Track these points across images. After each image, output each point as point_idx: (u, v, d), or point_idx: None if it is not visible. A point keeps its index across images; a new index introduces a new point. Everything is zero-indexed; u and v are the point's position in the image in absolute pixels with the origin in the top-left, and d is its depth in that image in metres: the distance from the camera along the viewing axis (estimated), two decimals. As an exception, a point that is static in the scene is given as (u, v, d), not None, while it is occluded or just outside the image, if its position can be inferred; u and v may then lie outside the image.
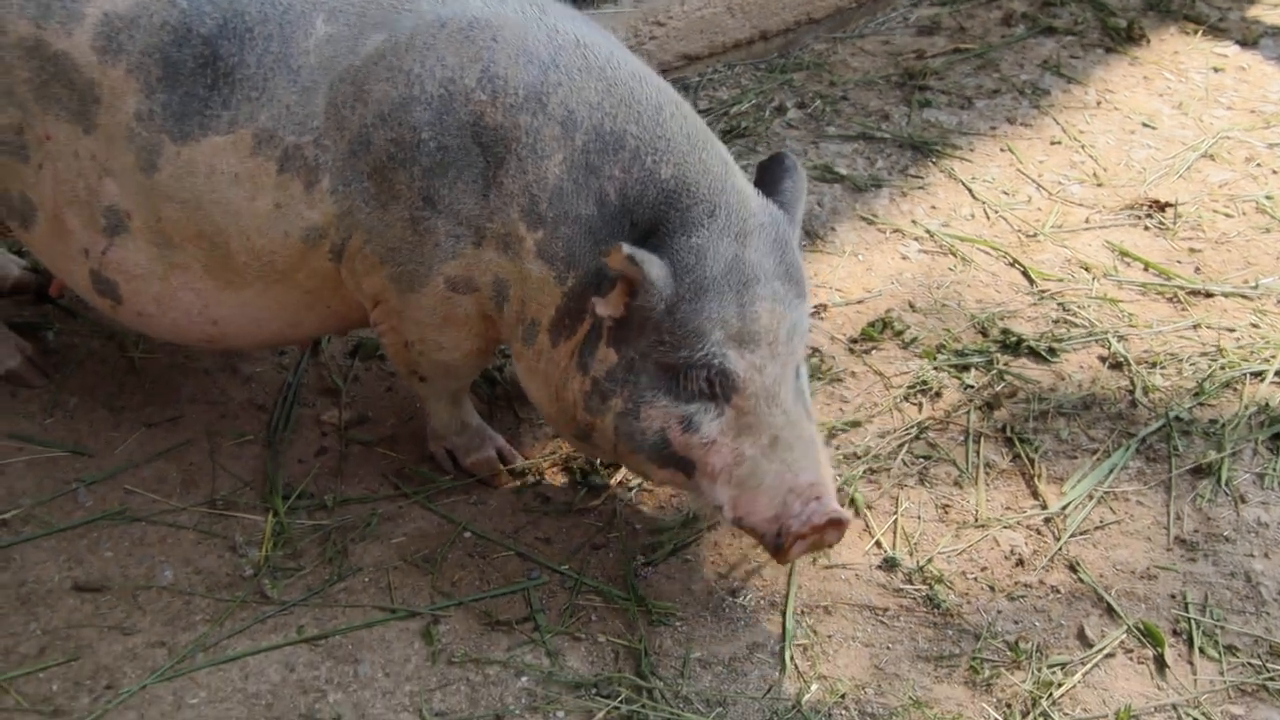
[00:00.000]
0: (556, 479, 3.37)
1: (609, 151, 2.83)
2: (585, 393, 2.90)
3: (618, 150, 2.83)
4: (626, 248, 2.68)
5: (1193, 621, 3.01)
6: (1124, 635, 2.99)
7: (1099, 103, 4.74)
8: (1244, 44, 4.98)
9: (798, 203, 2.99)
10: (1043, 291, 3.94)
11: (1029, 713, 2.83)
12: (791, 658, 2.95)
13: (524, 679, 2.90)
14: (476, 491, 3.32)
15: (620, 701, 2.84)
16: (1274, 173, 4.35)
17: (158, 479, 3.31)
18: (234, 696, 2.84)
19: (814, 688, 2.89)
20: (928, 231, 4.16)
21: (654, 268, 2.73)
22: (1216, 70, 4.87)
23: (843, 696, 2.88)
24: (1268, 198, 4.24)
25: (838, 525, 2.82)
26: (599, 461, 3.36)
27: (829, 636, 3.01)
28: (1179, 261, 4.03)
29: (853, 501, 3.30)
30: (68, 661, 2.89)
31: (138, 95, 2.87)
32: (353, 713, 2.82)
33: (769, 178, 3.01)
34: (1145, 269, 4.00)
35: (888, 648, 2.99)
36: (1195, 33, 5.07)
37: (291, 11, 2.88)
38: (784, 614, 3.04)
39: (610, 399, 2.87)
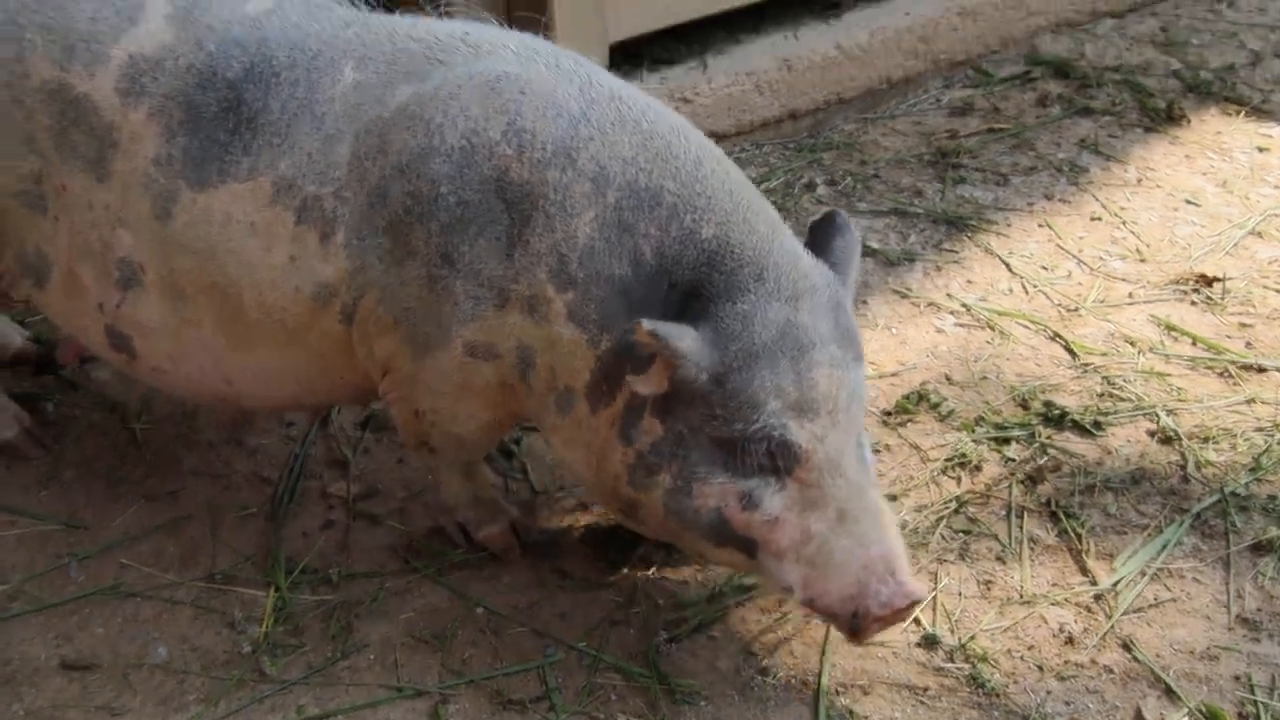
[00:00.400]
0: (575, 553, 3.22)
1: (644, 209, 2.70)
2: (629, 465, 2.74)
3: (654, 207, 2.70)
4: (647, 324, 2.56)
5: (1260, 705, 2.84)
6: (1185, 718, 2.82)
7: (1140, 180, 4.65)
8: (1288, 124, 4.91)
9: (850, 262, 2.84)
10: (1086, 365, 3.81)
11: (1089, 808, 2.67)
12: (822, 731, 2.79)
13: (540, 763, 2.74)
14: (489, 566, 3.18)
15: (644, 789, 2.68)
16: None
17: (155, 554, 3.19)
18: (227, 780, 2.69)
19: (850, 773, 2.73)
20: (964, 305, 4.05)
21: (682, 341, 2.58)
22: (1261, 150, 4.79)
23: (880, 781, 2.71)
24: None
25: (917, 605, 2.68)
26: (620, 534, 3.21)
27: (866, 717, 2.84)
28: (1229, 336, 3.91)
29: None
30: (52, 743, 2.74)
31: (158, 140, 2.81)
32: (355, 797, 2.67)
33: (820, 237, 2.87)
34: (1194, 343, 3.88)
35: None
36: (1238, 114, 4.99)
37: (320, 58, 2.80)
38: (817, 694, 2.88)
39: (657, 474, 2.72)
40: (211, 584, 3.11)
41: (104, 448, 3.47)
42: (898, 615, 2.65)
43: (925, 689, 2.91)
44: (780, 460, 2.65)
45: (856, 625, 2.65)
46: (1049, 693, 2.89)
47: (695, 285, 2.68)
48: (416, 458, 3.18)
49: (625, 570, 3.17)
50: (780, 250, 2.71)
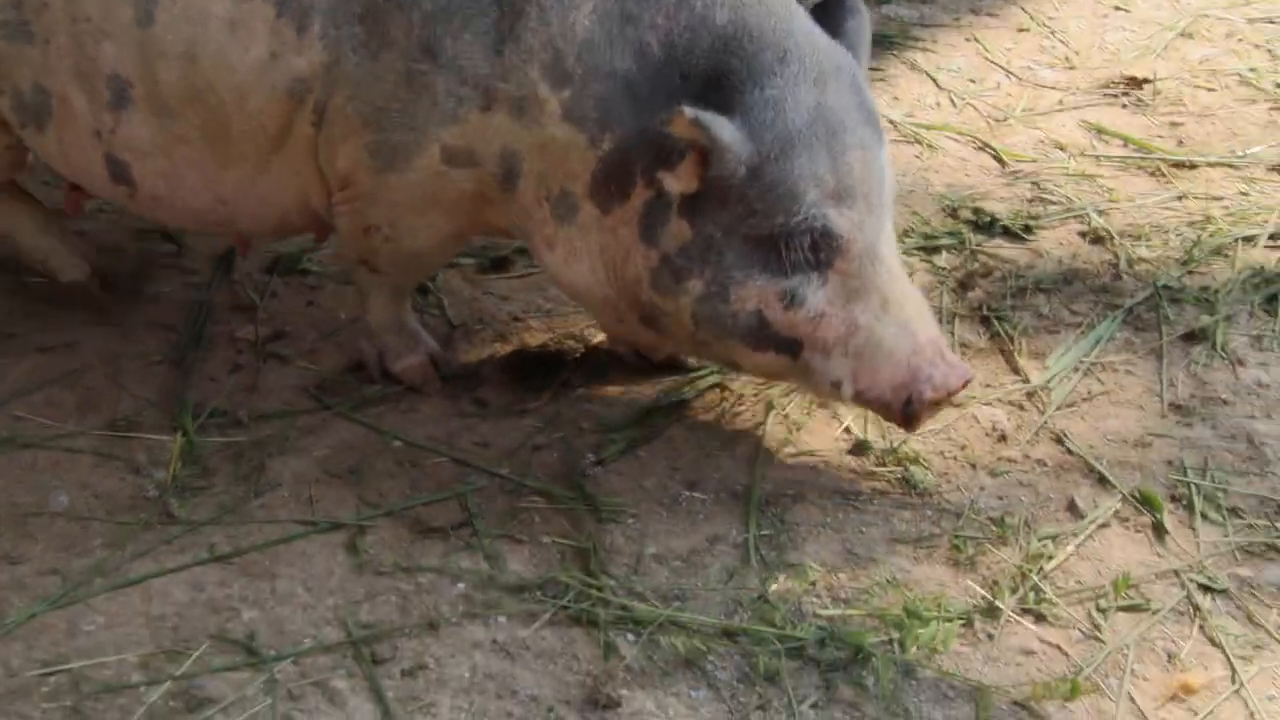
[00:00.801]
0: (495, 383, 3.16)
1: None
2: (652, 269, 2.65)
3: None
4: (689, 110, 2.45)
5: (1192, 486, 2.84)
6: (1118, 504, 2.81)
7: (1068, -13, 4.58)
8: (1218, -76, 4.83)
9: (864, 43, 2.76)
10: (1015, 172, 3.78)
11: (1018, 588, 2.64)
12: (756, 547, 2.74)
13: (460, 585, 2.69)
14: (406, 399, 3.11)
15: (568, 601, 2.63)
16: (1256, 47, 4.23)
17: (51, 404, 3.09)
18: (135, 620, 2.62)
19: (780, 576, 2.68)
20: (890, 121, 3.97)
21: (724, 130, 2.48)
22: (1191, -48, 4.72)
23: (813, 584, 2.67)
24: (1251, 70, 4.11)
25: (968, 384, 2.67)
26: (542, 360, 3.17)
27: (796, 524, 2.81)
28: (1159, 136, 3.90)
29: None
30: (-55, 596, 2.67)
31: None
32: (269, 629, 2.60)
33: (831, 19, 2.75)
34: (1124, 145, 3.86)
35: (861, 531, 2.80)
36: (1166, -85, 4.91)
37: None
38: (747, 505, 2.83)
39: (686, 279, 2.63)
40: (114, 431, 3.01)
41: (-4, 304, 3.37)
42: (950, 396, 2.64)
43: (857, 494, 2.88)
44: (822, 253, 2.58)
45: (910, 411, 2.63)
46: (982, 489, 2.87)
47: (713, 75, 2.56)
48: (354, 276, 3.07)
49: (547, 396, 3.11)
50: (800, 30, 2.60)
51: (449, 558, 2.74)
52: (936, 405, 2.65)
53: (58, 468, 2.93)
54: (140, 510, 2.83)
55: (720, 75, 2.55)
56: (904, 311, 2.63)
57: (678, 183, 2.55)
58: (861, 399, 2.67)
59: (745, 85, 2.53)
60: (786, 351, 2.66)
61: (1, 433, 3.00)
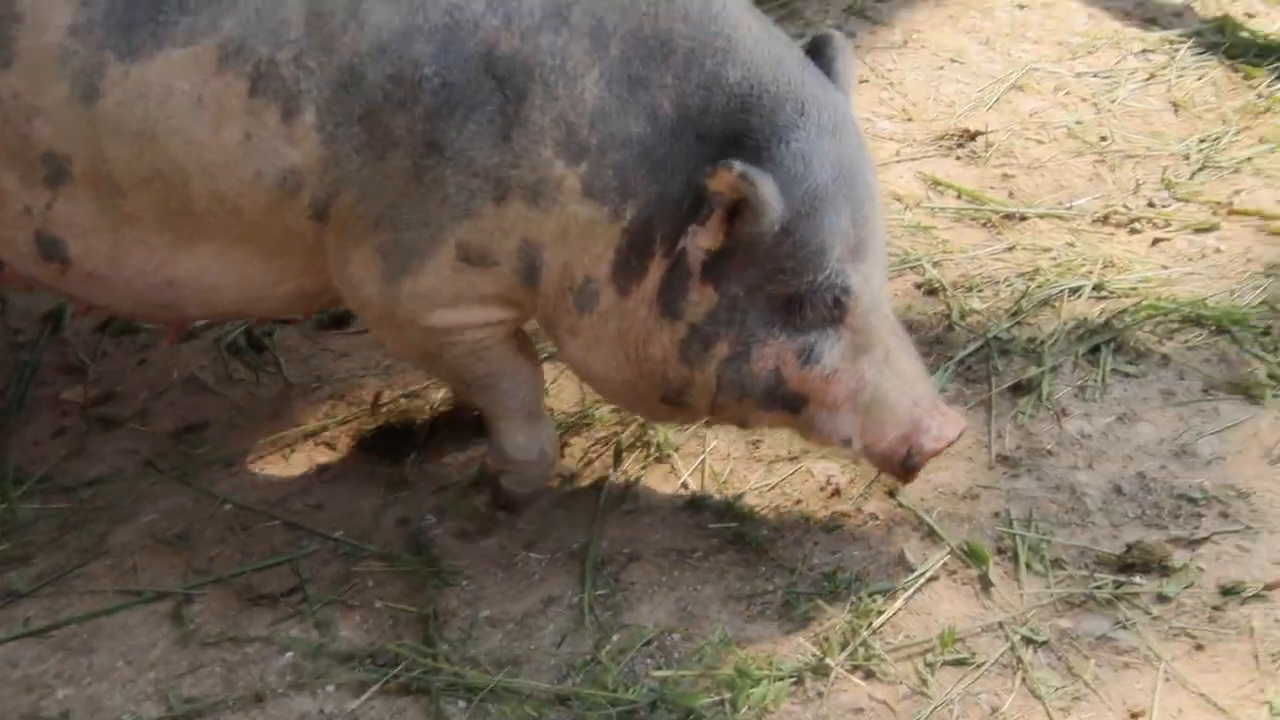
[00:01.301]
0: (343, 447, 3.12)
1: (655, 58, 2.47)
2: (681, 342, 2.56)
3: (667, 55, 2.47)
4: (737, 165, 2.38)
5: (1017, 537, 2.85)
6: (946, 557, 2.82)
7: (906, 42, 4.63)
8: (1048, -18, 4.93)
9: (851, 84, 2.70)
10: (852, 224, 3.78)
11: (848, 644, 2.64)
12: (591, 608, 2.73)
13: (289, 655, 2.65)
14: (239, 461, 3.06)
15: (400, 670, 2.59)
16: (1083, 100, 4.28)
17: None
18: (-55, 700, 2.55)
19: (614, 637, 2.67)
20: (730, 173, 3.98)
21: (768, 185, 2.41)
22: (1021, 7, 4.79)
23: (646, 643, 2.66)
24: (1078, 123, 4.16)
25: (963, 433, 2.70)
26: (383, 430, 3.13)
27: (632, 584, 2.79)
28: (992, 188, 3.93)
29: (658, 445, 3.09)
30: None
31: (72, 4, 2.46)
32: (84, 708, 2.56)
33: (821, 60, 2.67)
34: (958, 196, 3.88)
35: (695, 589, 2.78)
36: (1000, -27, 5.00)
37: None
38: (584, 564, 2.81)
39: (715, 344, 2.56)
40: (-71, 500, 2.94)
41: None
42: (949, 446, 2.66)
43: (692, 551, 2.87)
44: (838, 309, 2.55)
45: (911, 463, 2.64)
46: (815, 544, 2.87)
47: (733, 133, 2.48)
48: (473, 402, 2.91)
49: (389, 459, 3.07)
50: (810, 80, 2.54)
51: (277, 626, 2.70)
52: (935, 455, 2.67)
53: None
54: (-45, 583, 2.76)
55: (741, 133, 2.48)
56: (902, 363, 2.64)
57: (706, 238, 2.48)
58: (866, 453, 2.66)
59: (770, 142, 2.47)
60: (791, 408, 2.64)
61: None
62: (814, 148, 2.48)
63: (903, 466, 2.65)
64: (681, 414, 2.75)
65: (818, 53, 2.70)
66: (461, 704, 2.55)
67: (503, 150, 2.47)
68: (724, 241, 2.48)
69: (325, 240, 2.60)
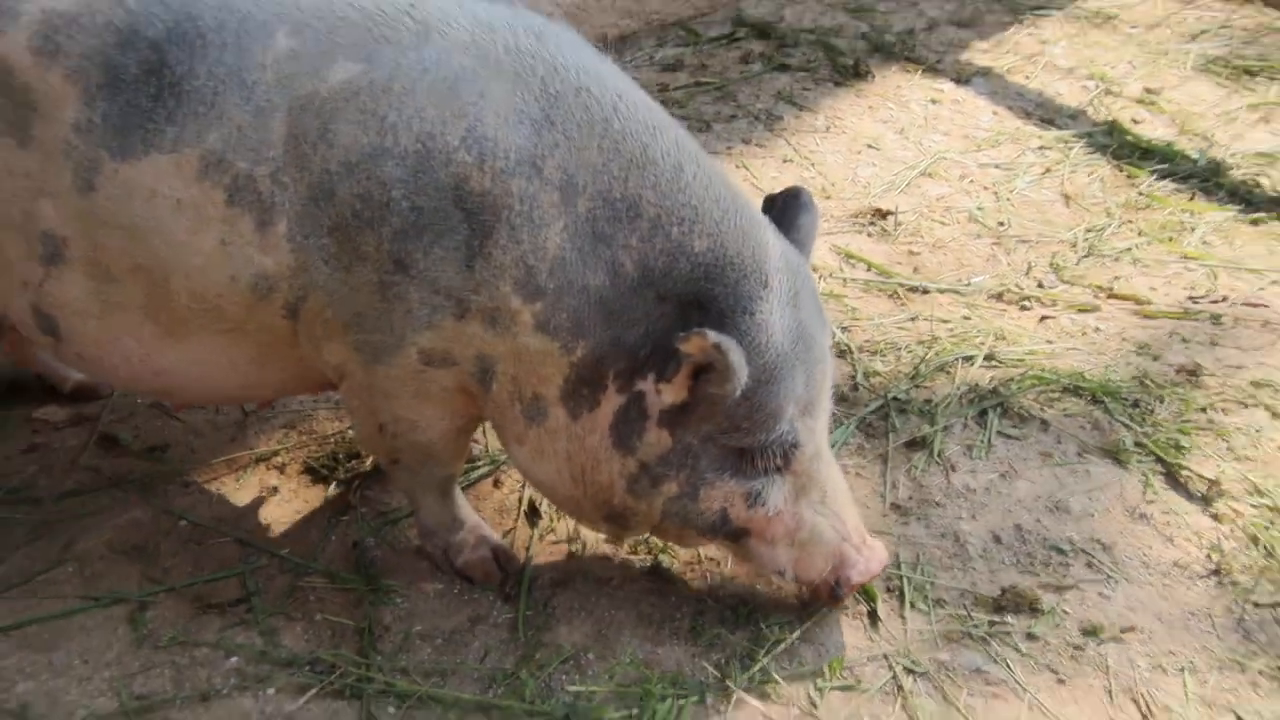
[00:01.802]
0: (292, 473, 3.14)
1: (621, 220, 2.41)
2: (631, 476, 2.54)
3: (633, 219, 2.41)
4: (713, 335, 2.32)
5: (905, 578, 2.91)
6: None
7: (828, 128, 4.72)
8: (958, 81, 5.03)
9: (813, 239, 2.68)
10: (771, 290, 3.84)
11: (747, 667, 2.69)
12: (524, 627, 2.76)
13: (234, 659, 2.66)
14: (196, 480, 3.07)
15: (336, 676, 2.62)
16: (984, 188, 4.36)
17: None
18: (-86, 690, 2.55)
19: (536, 655, 2.70)
20: (662, 239, 4.04)
21: (738, 355, 2.36)
22: (934, 102, 4.90)
23: (564, 661, 2.69)
24: (979, 209, 4.25)
25: (886, 568, 2.74)
26: (340, 457, 3.14)
27: (555, 607, 2.83)
28: (899, 263, 4.00)
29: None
30: None
31: (77, 104, 2.43)
32: (44, 701, 2.55)
33: (785, 214, 2.66)
34: (868, 269, 3.95)
35: (611, 613, 2.82)
36: (915, 71, 5.11)
37: (251, 20, 2.43)
38: (519, 586, 2.85)
39: (664, 483, 2.54)
40: (-97, 510, 2.94)
41: None
42: (872, 579, 2.68)
43: (610, 579, 2.90)
44: (785, 459, 2.55)
45: (839, 593, 2.66)
46: (723, 579, 2.90)
47: (695, 299, 2.43)
48: (392, 478, 2.89)
49: (335, 488, 3.10)
50: (774, 250, 2.50)
51: (225, 633, 2.70)
52: (860, 587, 2.70)
53: None
54: (-71, 583, 2.76)
55: (704, 300, 2.43)
56: (837, 500, 2.65)
57: (671, 394, 2.44)
58: (798, 581, 2.68)
59: (734, 311, 2.42)
60: (733, 539, 2.64)
61: None
62: (775, 318, 2.44)
63: (830, 595, 2.68)
64: (622, 531, 2.71)
65: (785, 205, 2.68)
66: (392, 710, 2.57)
67: (465, 276, 2.42)
68: (687, 397, 2.46)
69: (300, 333, 2.57)
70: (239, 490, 3.06)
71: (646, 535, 2.94)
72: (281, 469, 3.14)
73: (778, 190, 2.75)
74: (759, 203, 2.72)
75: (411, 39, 2.44)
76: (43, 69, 2.46)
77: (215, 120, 2.42)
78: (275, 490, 3.08)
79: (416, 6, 2.48)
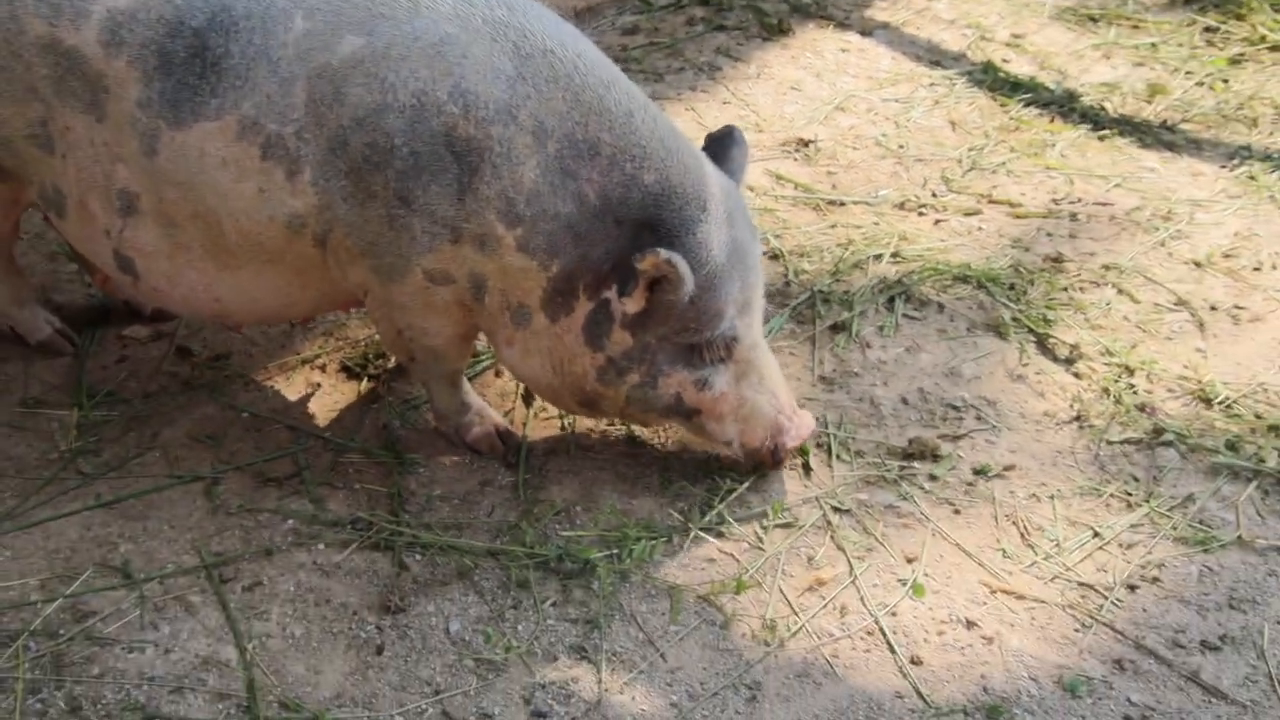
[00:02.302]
0: (332, 371, 3.04)
1: (584, 158, 2.36)
2: (599, 367, 2.48)
3: (593, 157, 2.36)
4: (664, 252, 2.30)
5: (831, 436, 2.86)
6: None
7: (759, 75, 4.57)
8: (862, 34, 4.85)
9: (743, 169, 2.60)
10: (716, 208, 3.74)
11: (705, 513, 2.65)
12: (523, 488, 2.70)
13: (290, 522, 2.60)
14: (254, 380, 2.98)
15: (373, 532, 2.56)
16: (886, 119, 4.24)
17: (-26, 388, 2.89)
18: (36, 553, 2.49)
19: (534, 510, 2.65)
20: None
21: (685, 267, 2.33)
22: (844, 51, 4.74)
23: (557, 513, 2.64)
24: (883, 135, 4.13)
25: (814, 431, 2.67)
26: (370, 357, 3.04)
27: (548, 470, 2.76)
28: (820, 182, 3.89)
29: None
30: (-115, 539, 2.49)
31: (138, 84, 2.39)
32: (140, 558, 2.50)
33: (719, 148, 2.59)
34: (795, 188, 3.85)
35: (594, 473, 2.76)
36: (828, 27, 4.92)
37: (274, 8, 2.37)
38: (519, 456, 2.77)
39: (627, 374, 2.48)
40: (25, 408, 2.83)
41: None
42: (803, 443, 2.64)
43: (592, 447, 2.83)
44: (727, 349, 2.49)
45: (778, 457, 2.61)
46: (685, 444, 2.81)
47: (646, 223, 2.38)
48: (411, 373, 2.81)
49: (367, 381, 3.00)
50: (711, 180, 2.45)
51: (282, 501, 2.65)
52: (795, 450, 2.65)
53: (-23, 438, 2.75)
54: (45, 470, 2.68)
55: (654, 224, 2.38)
56: (771, 381, 2.58)
57: (631, 304, 2.40)
58: (743, 449, 2.62)
59: (679, 232, 2.38)
60: (686, 418, 2.58)
61: (-70, 411, 2.81)
62: (713, 237, 2.40)
63: (771, 459, 2.63)
64: (594, 413, 2.66)
65: (720, 142, 2.62)
66: (418, 557, 2.53)
67: (457, 208, 2.37)
68: (644, 304, 2.42)
69: (328, 259, 2.51)
70: (289, 387, 2.98)
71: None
72: (323, 368, 3.04)
73: (718, 128, 2.68)
74: (702, 140, 2.65)
75: (405, 13, 2.37)
76: (110, 57, 2.41)
77: (249, 91, 2.38)
78: (318, 386, 2.99)
79: None
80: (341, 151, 2.37)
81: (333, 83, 2.36)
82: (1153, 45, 4.55)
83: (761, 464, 2.67)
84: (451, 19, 2.36)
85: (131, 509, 2.60)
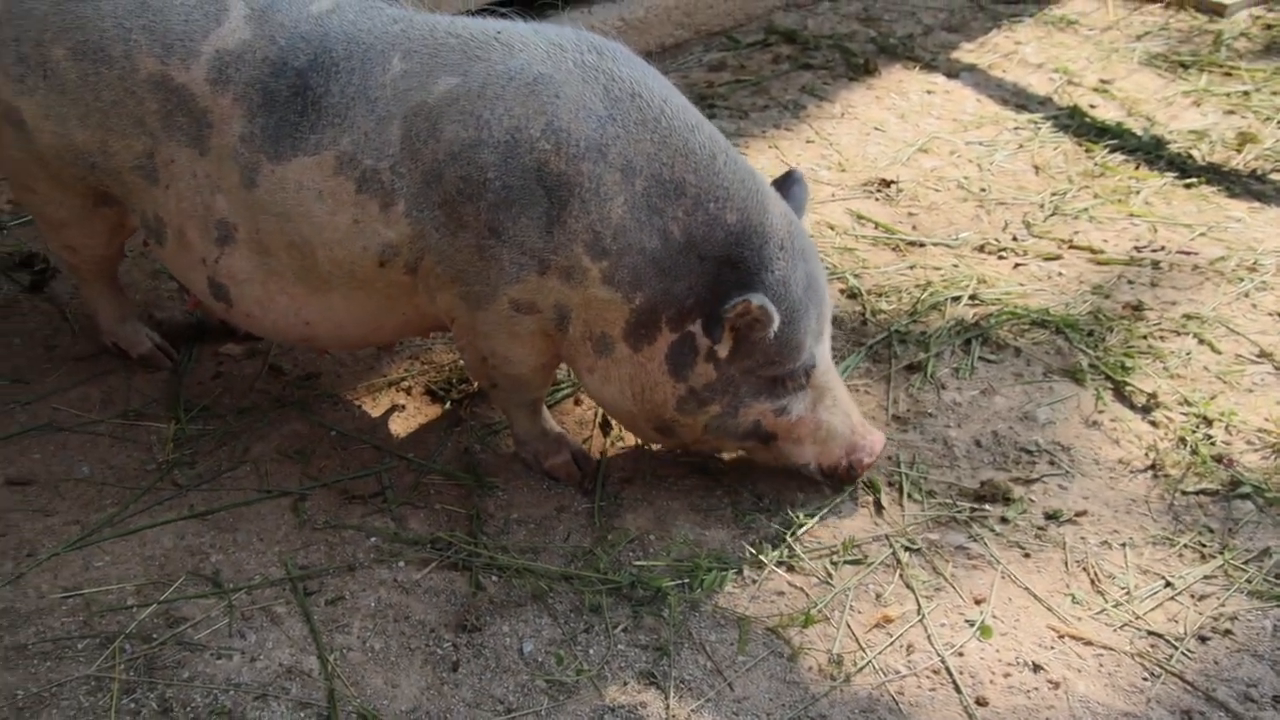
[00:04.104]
0: (416, 394, 3.14)
1: (670, 196, 2.43)
2: (680, 397, 2.54)
3: (679, 196, 2.43)
4: (757, 299, 2.38)
5: (903, 475, 2.89)
6: (852, 487, 2.84)
7: (843, 114, 4.62)
8: (948, 76, 4.89)
9: (804, 206, 2.68)
10: (796, 246, 3.79)
11: (777, 546, 2.69)
12: (598, 515, 2.76)
13: (373, 539, 2.69)
14: (342, 399, 3.09)
15: (452, 552, 2.64)
16: (969, 161, 4.27)
17: (81, 399, 3.04)
18: (133, 560, 2.60)
19: (608, 537, 2.71)
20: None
21: (773, 308, 2.41)
22: (929, 93, 4.78)
23: (631, 541, 2.70)
24: (965, 178, 4.16)
25: (885, 447, 2.76)
26: (454, 382, 3.14)
27: (623, 500, 2.82)
28: (900, 222, 3.93)
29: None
30: (-3, 538, 2.63)
31: (242, 120, 2.50)
32: (230, 568, 2.60)
33: (783, 187, 2.66)
34: (875, 227, 3.88)
35: (668, 503, 2.82)
36: (914, 68, 4.98)
37: (373, 50, 2.48)
38: (595, 483, 2.84)
39: (709, 405, 2.55)
40: (126, 420, 2.97)
41: (42, 324, 3.29)
42: (877, 459, 2.72)
43: (667, 477, 2.89)
44: (806, 377, 2.58)
45: (853, 474, 2.70)
46: (759, 476, 2.85)
47: (728, 260, 2.45)
48: (493, 399, 2.86)
49: (450, 405, 3.10)
50: (787, 218, 2.52)
51: (366, 518, 2.73)
52: (869, 466, 2.72)
53: (83, 446, 2.89)
54: (143, 479, 2.80)
55: (735, 261, 2.45)
56: (843, 401, 2.66)
57: (723, 349, 2.49)
58: (820, 470, 2.71)
59: (759, 270, 2.45)
60: (764, 441, 2.65)
61: (42, 420, 2.96)
62: (791, 273, 2.47)
63: (846, 476, 2.71)
64: (669, 440, 2.71)
65: (784, 181, 2.70)
66: (495, 579, 2.59)
67: (546, 239, 2.43)
68: (732, 342, 2.49)
69: (418, 286, 2.59)
70: (375, 407, 3.08)
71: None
72: (408, 391, 3.14)
73: (803, 164, 2.77)
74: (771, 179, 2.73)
75: (499, 55, 2.47)
76: (216, 95, 2.53)
77: (347, 128, 2.47)
78: (403, 407, 3.08)
79: (502, 32, 2.51)
80: (436, 184, 2.45)
81: (429, 119, 2.44)
82: (1245, 93, 4.53)
83: (839, 481, 2.74)
84: (544, 61, 2.45)
85: (223, 520, 2.71)
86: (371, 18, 2.56)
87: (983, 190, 4.04)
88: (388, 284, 2.60)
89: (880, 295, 3.54)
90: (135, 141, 2.61)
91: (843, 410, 2.66)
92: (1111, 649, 2.47)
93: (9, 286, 3.42)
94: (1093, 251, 3.69)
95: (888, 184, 4.11)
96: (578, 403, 3.11)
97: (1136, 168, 4.13)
